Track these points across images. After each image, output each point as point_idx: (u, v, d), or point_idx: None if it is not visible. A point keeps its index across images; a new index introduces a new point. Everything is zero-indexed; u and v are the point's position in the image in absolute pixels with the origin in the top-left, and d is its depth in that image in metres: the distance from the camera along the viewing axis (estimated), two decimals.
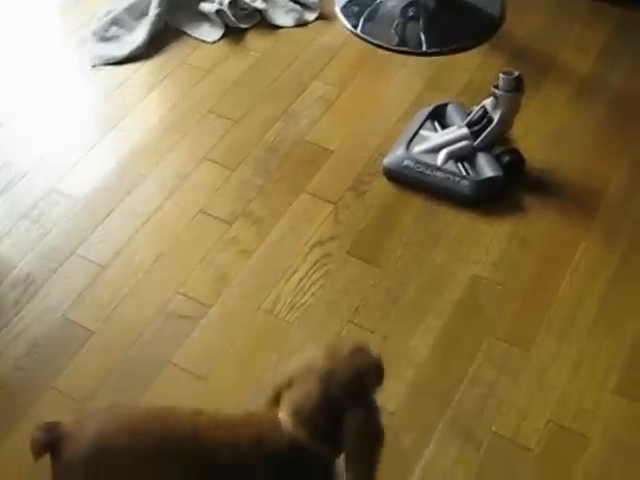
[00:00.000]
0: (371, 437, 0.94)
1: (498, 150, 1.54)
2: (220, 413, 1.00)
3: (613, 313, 1.34)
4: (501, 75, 1.47)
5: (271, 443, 0.93)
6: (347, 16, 1.87)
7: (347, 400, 0.93)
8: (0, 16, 1.92)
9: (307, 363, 0.95)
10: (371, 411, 0.94)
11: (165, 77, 1.76)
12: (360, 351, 0.96)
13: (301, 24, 1.85)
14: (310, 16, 1.86)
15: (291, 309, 1.34)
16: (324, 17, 1.88)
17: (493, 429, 1.20)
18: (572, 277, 1.39)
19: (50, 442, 0.93)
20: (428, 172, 1.51)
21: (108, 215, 1.47)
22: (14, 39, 1.86)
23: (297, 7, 1.86)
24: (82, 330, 1.31)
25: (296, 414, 0.93)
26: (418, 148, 1.54)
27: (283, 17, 1.86)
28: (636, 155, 1.57)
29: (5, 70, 1.78)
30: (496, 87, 1.49)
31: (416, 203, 1.50)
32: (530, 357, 1.29)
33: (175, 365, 1.26)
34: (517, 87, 1.48)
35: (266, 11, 1.86)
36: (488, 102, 1.51)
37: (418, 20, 1.86)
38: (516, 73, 1.47)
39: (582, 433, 1.20)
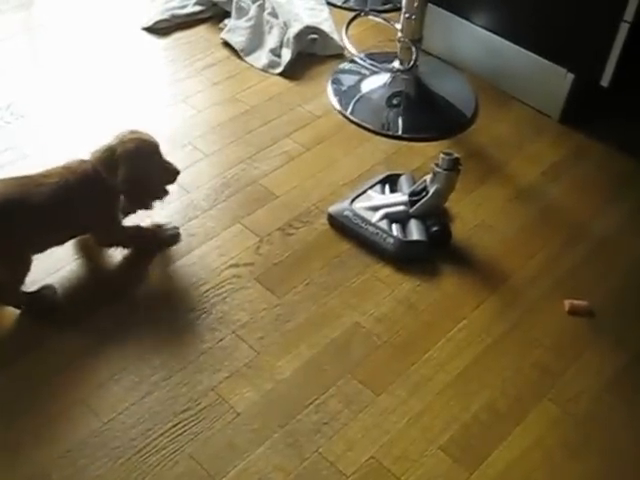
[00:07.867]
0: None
1: (430, 221, 1.72)
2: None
3: (468, 383, 1.47)
4: (441, 154, 1.66)
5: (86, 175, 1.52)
6: (335, 92, 2.11)
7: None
8: None
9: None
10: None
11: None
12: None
13: (265, 70, 2.15)
14: (274, 70, 2.16)
15: (190, 311, 1.54)
16: (314, 88, 2.12)
17: (320, 450, 1.34)
18: (444, 345, 1.53)
19: None
20: (362, 225, 1.70)
21: None
22: None
23: (274, 59, 2.17)
24: None
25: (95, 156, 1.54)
26: (361, 204, 1.75)
27: (256, 59, 2.18)
28: (544, 259, 1.71)
29: None
30: (436, 165, 1.67)
31: (331, 254, 1.68)
32: (378, 401, 1.42)
33: None
34: (453, 167, 1.66)
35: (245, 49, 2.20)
36: (428, 177, 1.71)
37: (400, 107, 2.10)
38: (455, 155, 1.65)
39: (398, 476, 1.32)
